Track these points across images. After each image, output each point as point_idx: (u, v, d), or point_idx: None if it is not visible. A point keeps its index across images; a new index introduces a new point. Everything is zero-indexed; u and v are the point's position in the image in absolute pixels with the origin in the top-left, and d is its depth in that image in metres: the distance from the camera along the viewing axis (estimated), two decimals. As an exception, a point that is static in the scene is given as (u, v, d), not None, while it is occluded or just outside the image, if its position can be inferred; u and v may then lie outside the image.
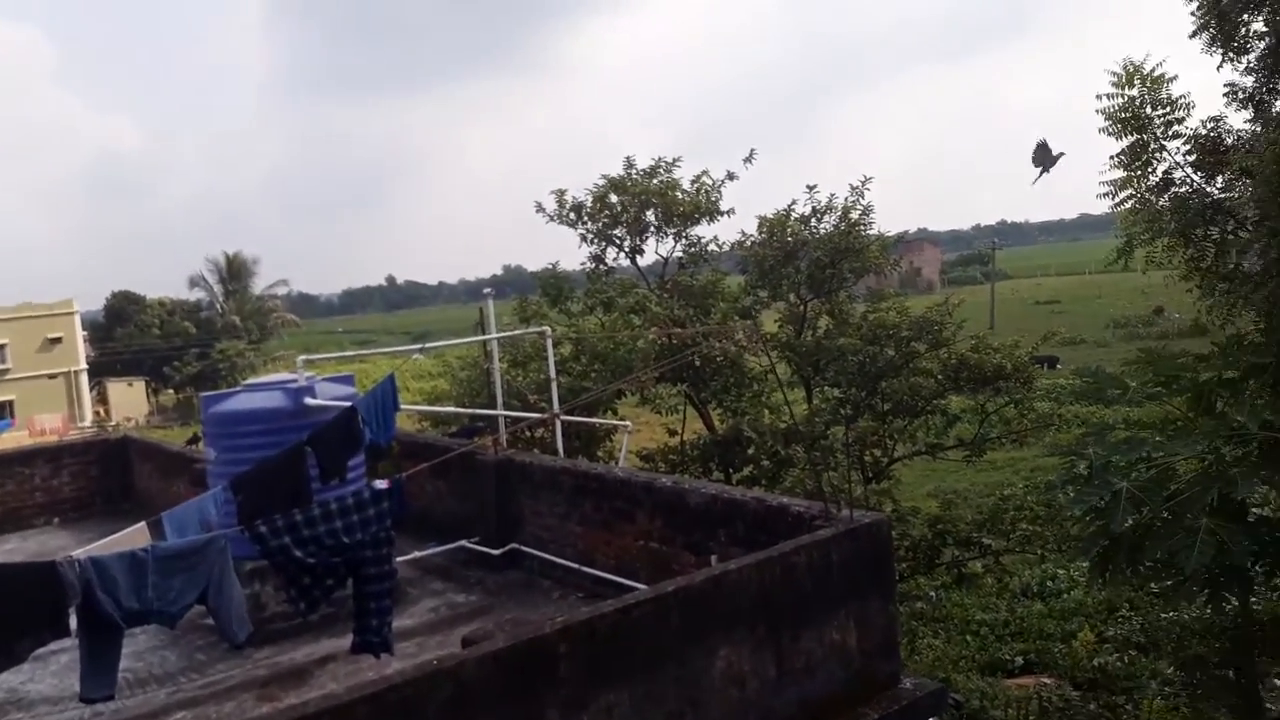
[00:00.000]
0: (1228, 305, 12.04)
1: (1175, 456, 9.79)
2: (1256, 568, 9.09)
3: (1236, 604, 9.94)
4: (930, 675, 13.21)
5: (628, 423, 12.73)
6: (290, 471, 7.51)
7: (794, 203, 19.26)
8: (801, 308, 18.83)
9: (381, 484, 6.64)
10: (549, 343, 12.01)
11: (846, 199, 18.73)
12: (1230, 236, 11.90)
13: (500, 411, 11.42)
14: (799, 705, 6.34)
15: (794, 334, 18.46)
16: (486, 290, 12.00)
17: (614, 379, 15.12)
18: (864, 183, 18.64)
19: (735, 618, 6.13)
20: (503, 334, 13.13)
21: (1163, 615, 12.65)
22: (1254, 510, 9.56)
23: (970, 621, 16.43)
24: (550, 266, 20.02)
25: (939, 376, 16.21)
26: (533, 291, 20.13)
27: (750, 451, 16.14)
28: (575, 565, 9.44)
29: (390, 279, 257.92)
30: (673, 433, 17.92)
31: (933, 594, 16.86)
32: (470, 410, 14.42)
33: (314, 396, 9.38)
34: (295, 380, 9.55)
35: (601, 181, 19.68)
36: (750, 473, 16.26)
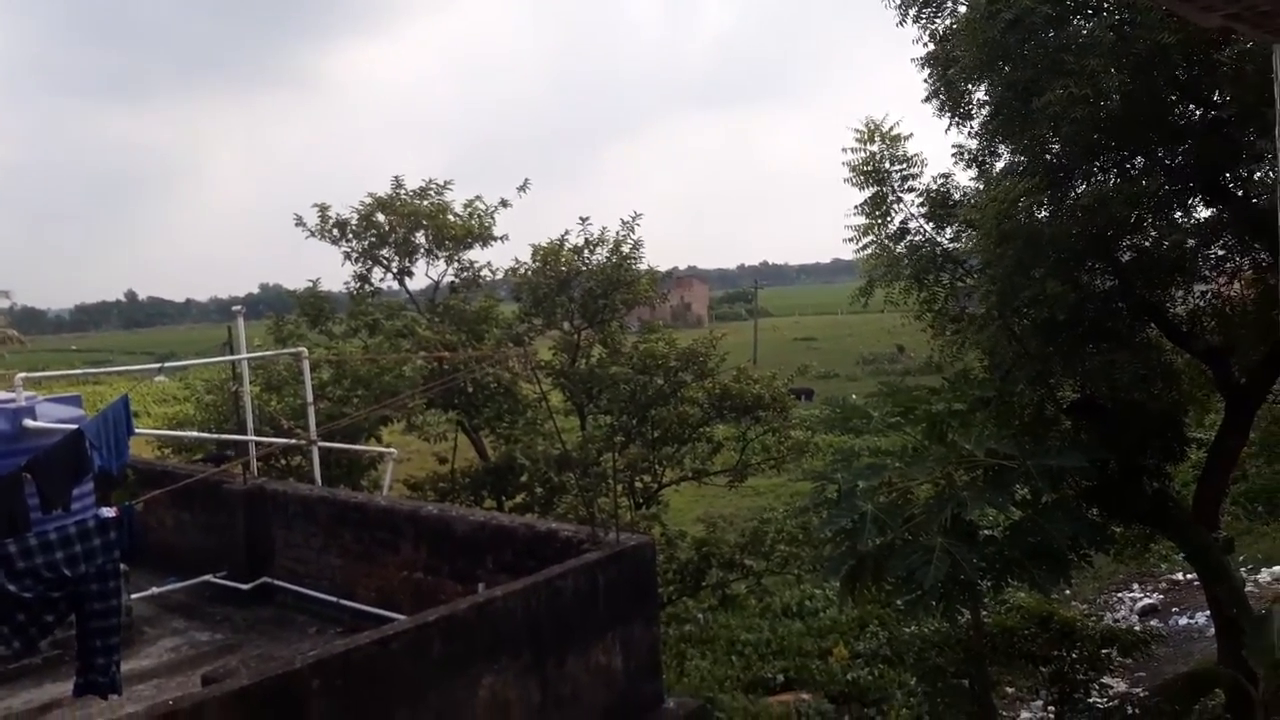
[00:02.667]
0: (956, 345, 13.24)
1: (913, 480, 10.65)
2: (985, 583, 9.97)
3: (969, 617, 10.91)
4: (696, 695, 13.55)
5: (392, 450, 12.29)
6: (4, 500, 6.70)
7: (568, 233, 19.48)
8: (575, 336, 19.00)
9: (108, 512, 6.02)
10: (305, 365, 11.40)
11: (618, 233, 19.17)
12: (958, 283, 13.12)
13: (251, 437, 10.69)
14: (564, 732, 6.29)
15: (568, 362, 18.58)
16: (236, 308, 11.24)
17: (379, 405, 14.57)
18: (634, 218, 19.15)
19: (500, 645, 6.01)
20: (253, 355, 12.32)
21: (905, 630, 13.63)
22: (983, 530, 10.54)
23: (735, 642, 17.04)
24: (310, 285, 19.08)
25: (704, 405, 16.82)
26: (291, 312, 19.09)
27: (523, 479, 16.02)
28: (333, 599, 8.96)
29: (130, 294, 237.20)
30: (443, 460, 17.49)
31: (700, 616, 17.35)
32: (217, 436, 13.40)
33: (35, 418, 8.40)
34: (12, 401, 8.53)
35: (368, 199, 19.06)
36: (523, 500, 16.13)
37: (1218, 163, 10.80)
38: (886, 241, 13.32)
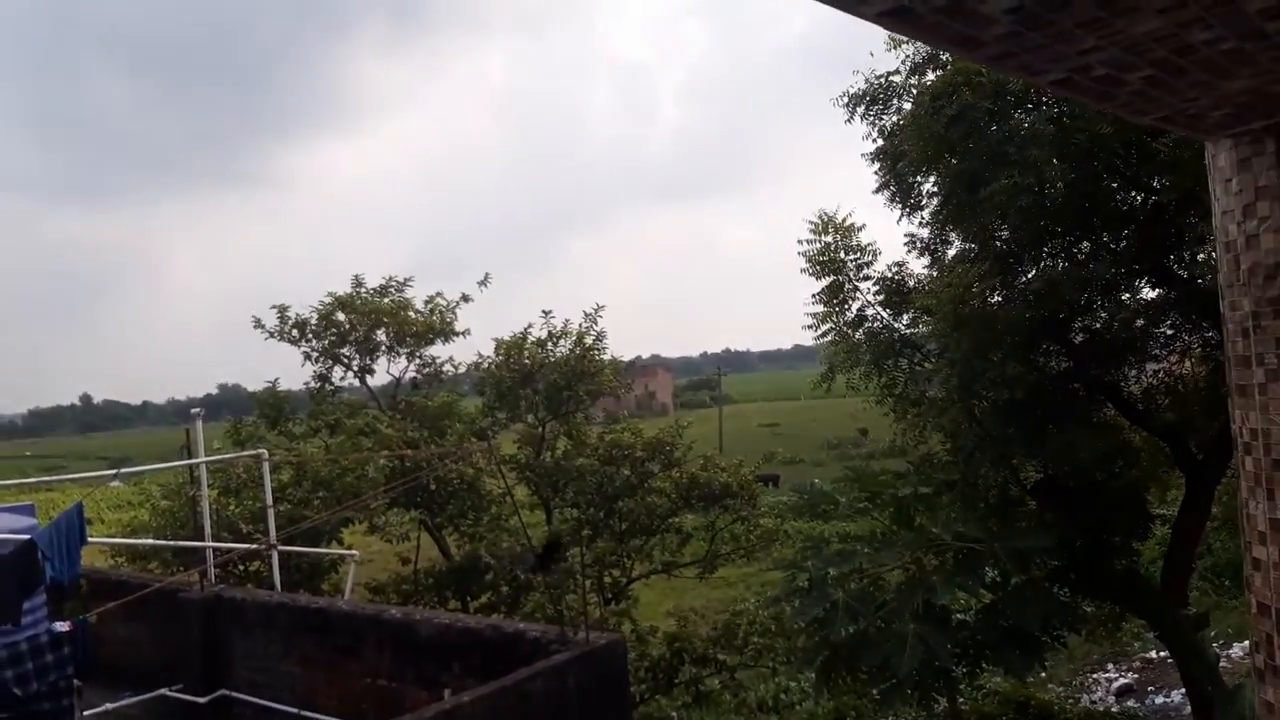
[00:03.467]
0: (918, 428, 13.37)
1: (882, 567, 10.62)
2: (960, 669, 9.87)
3: (945, 705, 10.76)
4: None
5: (355, 552, 12.04)
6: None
7: (530, 326, 19.55)
8: (540, 429, 18.89)
9: (62, 626, 5.81)
10: (265, 467, 11.21)
11: (581, 325, 19.28)
12: (917, 367, 13.33)
13: (209, 543, 10.42)
14: (536, 844, 6.05)
15: (533, 455, 18.43)
16: (195, 410, 11.08)
17: (340, 506, 14.30)
18: (596, 310, 19.28)
19: (469, 755, 5.81)
20: (211, 458, 12.10)
21: (880, 720, 13.40)
22: (955, 615, 10.47)
23: (713, 741, 16.57)
24: (269, 385, 18.88)
25: (672, 495, 16.71)
26: (250, 413, 18.83)
27: (489, 577, 15.70)
28: (294, 710, 8.63)
29: (86, 398, 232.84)
30: (406, 561, 17.11)
31: (674, 715, 16.90)
32: (173, 543, 13.04)
33: (-17, 529, 8.14)
34: (-41, 512, 8.28)
35: (328, 299, 19.03)
36: (489, 599, 15.77)
37: (1161, 246, 11.17)
38: (845, 329, 13.54)
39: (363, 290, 19.14)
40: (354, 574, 11.36)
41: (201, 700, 9.14)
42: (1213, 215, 1.32)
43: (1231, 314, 1.25)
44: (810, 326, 13.82)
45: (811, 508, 11.51)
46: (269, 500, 10.89)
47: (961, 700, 11.27)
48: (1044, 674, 17.91)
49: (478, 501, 16.96)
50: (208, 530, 10.72)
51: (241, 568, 14.23)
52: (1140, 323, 11.81)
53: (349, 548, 14.37)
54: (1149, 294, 12.03)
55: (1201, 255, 11.07)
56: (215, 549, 10.56)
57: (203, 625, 9.52)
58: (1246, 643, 19.41)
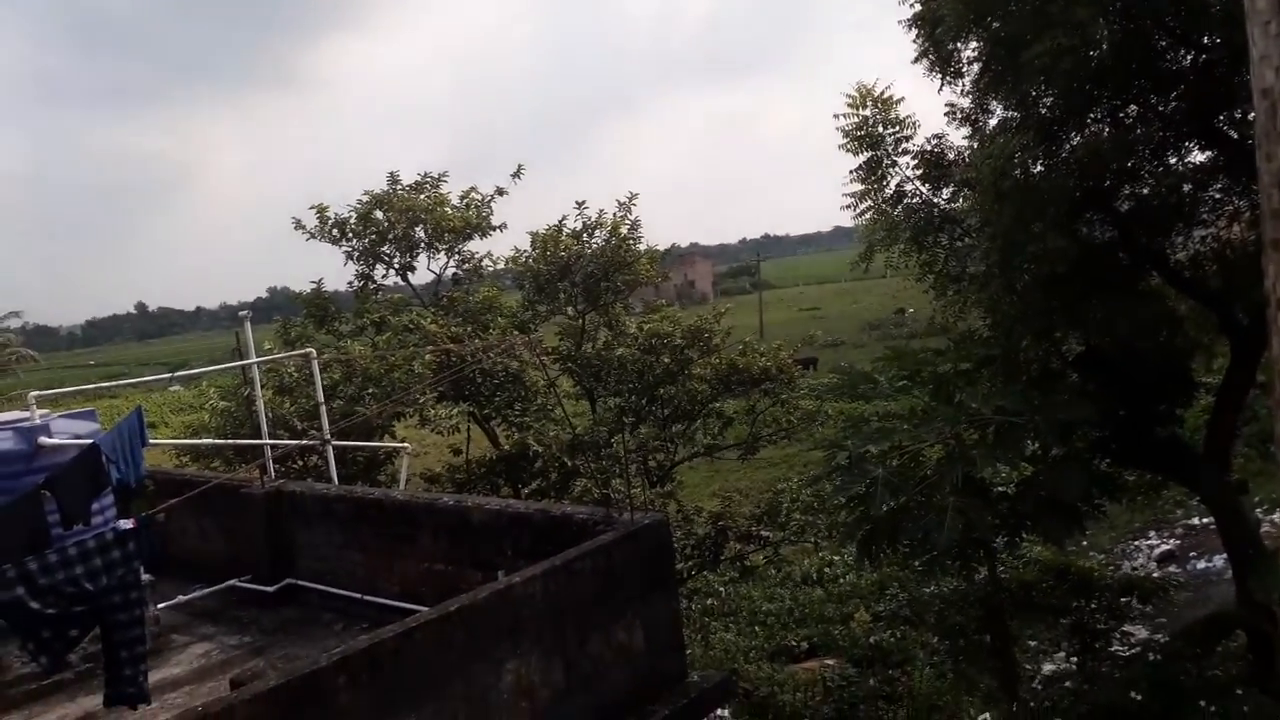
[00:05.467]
0: (959, 305, 13.25)
1: (922, 443, 10.70)
2: (999, 539, 10.03)
3: (986, 574, 10.99)
4: (721, 666, 13.68)
5: (407, 445, 12.40)
6: (24, 518, 6.80)
7: (564, 219, 19.51)
8: (580, 320, 19.06)
9: (126, 524, 6.13)
10: (315, 366, 11.49)
11: (615, 215, 19.18)
12: (957, 243, 13.11)
13: (265, 441, 10.80)
14: (590, 710, 6.40)
15: (574, 346, 18.65)
16: (243, 313, 11.35)
17: (389, 401, 14.67)
18: (631, 199, 19.15)
19: (522, 630, 6.11)
20: (262, 359, 12.42)
21: (925, 590, 13.72)
22: (995, 488, 10.59)
23: (757, 612, 17.17)
24: (315, 286, 19.17)
25: (711, 381, 16.89)
26: (298, 314, 19.20)
27: (537, 465, 16.14)
28: (357, 595, 9.06)
29: (141, 306, 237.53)
30: (457, 452, 17.62)
31: (721, 589, 17.49)
32: (233, 441, 13.53)
33: (50, 436, 8.51)
34: (27, 419, 8.64)
35: (365, 198, 19.09)
36: (539, 486, 16.25)
37: (1211, 106, 10.73)
38: (884, 206, 13.32)
39: (399, 188, 19.17)
40: (408, 465, 11.71)
41: (270, 589, 9.59)
42: (1250, 62, 1.28)
43: (1267, 165, 1.22)
44: (848, 205, 13.62)
45: (851, 388, 11.54)
46: (320, 398, 11.19)
47: (1001, 569, 11.50)
48: (1084, 542, 18.15)
49: (523, 393, 17.29)
50: (264, 428, 11.08)
51: (300, 463, 14.76)
52: (1188, 187, 11.44)
53: (402, 441, 14.80)
54: (1198, 157, 11.62)
55: (1252, 114, 10.64)
56: (273, 446, 10.93)
57: (266, 518, 9.93)
58: (1289, 507, 19.40)
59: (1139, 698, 7.96)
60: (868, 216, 13.48)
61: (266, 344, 17.03)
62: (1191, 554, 19.06)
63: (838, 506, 12.25)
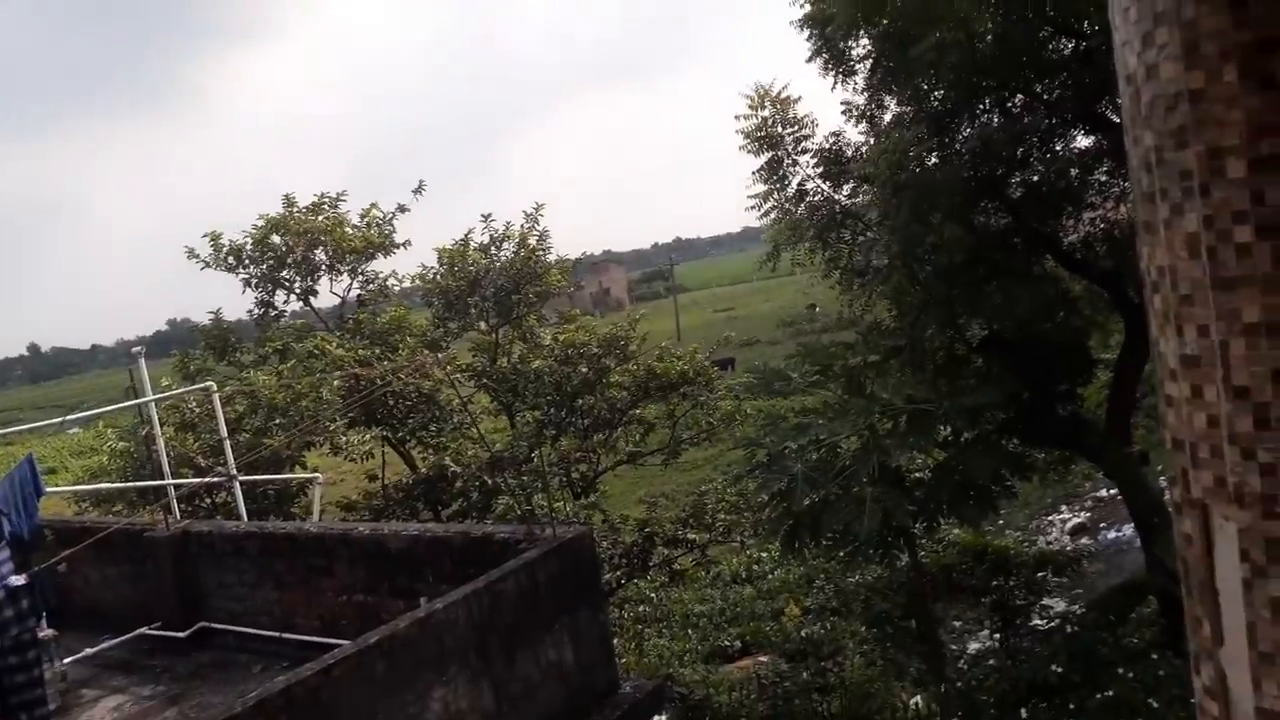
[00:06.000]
0: (865, 297, 13.50)
1: (837, 435, 10.85)
2: (918, 525, 10.23)
3: (907, 560, 11.19)
4: (656, 672, 13.62)
5: (318, 475, 12.04)
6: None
7: (471, 233, 19.27)
8: (493, 335, 18.81)
9: (17, 580, 5.77)
10: (216, 400, 11.08)
11: (523, 226, 19.02)
12: (860, 238, 13.36)
13: (168, 481, 10.34)
14: (521, 732, 6.26)
15: (489, 362, 18.39)
16: (136, 349, 10.89)
17: (297, 430, 14.23)
18: (537, 210, 19.00)
19: (446, 657, 5.95)
20: (159, 396, 11.92)
21: (850, 580, 13.91)
22: (911, 475, 10.79)
23: (690, 615, 17.22)
24: (213, 316, 18.51)
25: (630, 388, 16.85)
26: (198, 346, 18.52)
27: (457, 486, 15.83)
28: (274, 634, 8.73)
29: (34, 348, 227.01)
30: (373, 478, 17.19)
31: (652, 595, 17.47)
32: (134, 484, 12.95)
33: (-70, 493, 7.99)
34: (-97, 476, 8.11)
35: (261, 222, 18.53)
36: (460, 507, 15.95)
37: (1092, 92, 11.14)
38: (787, 205, 13.50)
39: (296, 210, 18.65)
40: (321, 496, 11.37)
41: (182, 635, 9.20)
42: (1114, 48, 1.30)
43: (1135, 149, 1.24)
44: (753, 206, 13.76)
45: (766, 386, 11.66)
46: (223, 432, 10.80)
47: (922, 554, 11.72)
48: (1000, 521, 18.67)
49: (438, 413, 16.96)
50: (166, 468, 10.63)
51: (208, 501, 14.22)
52: (1075, 171, 11.87)
53: (313, 471, 14.37)
54: (1084, 142, 12.07)
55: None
56: (176, 485, 10.49)
57: (173, 561, 9.52)
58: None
59: (1060, 670, 8.18)
60: (772, 216, 13.64)
61: (165, 380, 16.37)
62: (1101, 525, 19.76)
63: (761, 504, 12.33)
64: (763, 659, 15.30)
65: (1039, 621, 12.35)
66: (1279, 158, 1.15)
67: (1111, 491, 21.19)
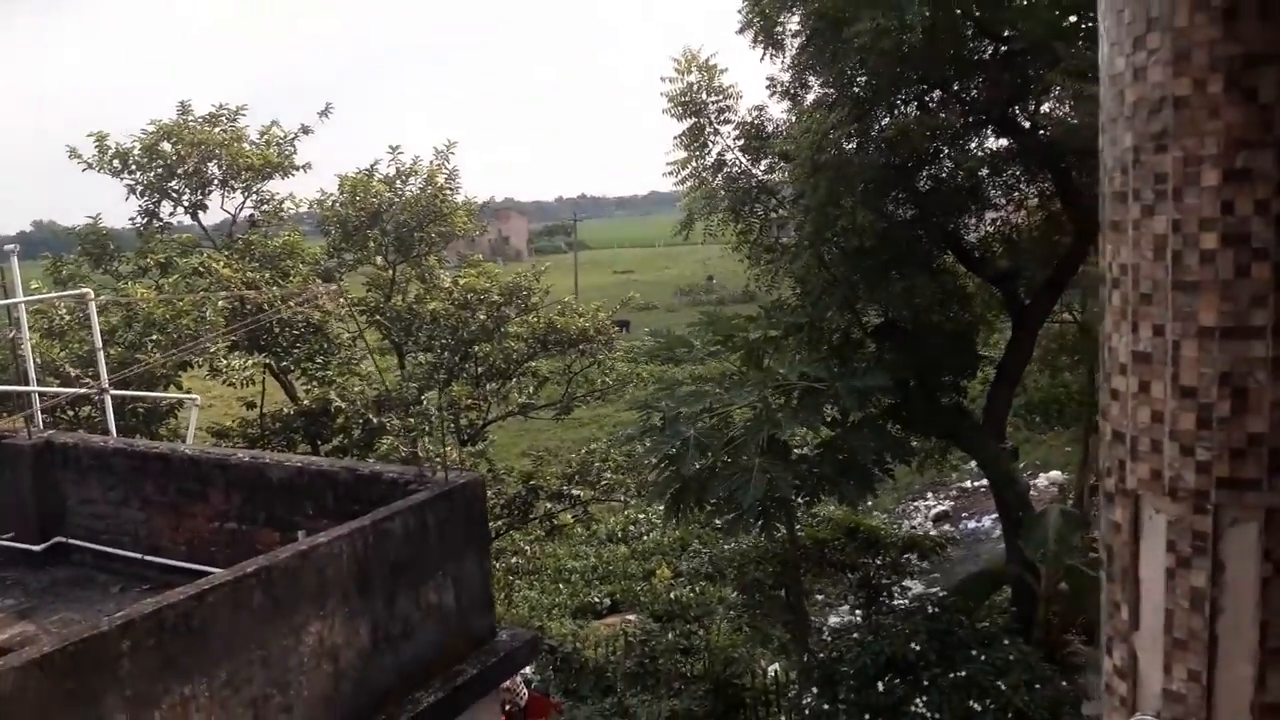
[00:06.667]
0: (771, 274, 13.68)
1: (731, 405, 11.03)
2: (800, 499, 10.52)
3: (785, 531, 11.51)
4: (525, 624, 13.69)
5: (195, 396, 11.56)
6: None
7: (377, 163, 18.70)
8: (390, 272, 18.36)
9: None
10: (92, 308, 10.48)
11: (432, 162, 18.55)
12: (772, 214, 13.50)
13: (34, 388, 9.76)
14: (396, 670, 6.20)
15: (383, 299, 17.96)
16: (8, 247, 10.18)
17: (177, 349, 13.62)
18: (449, 147, 18.57)
19: (326, 592, 5.82)
20: (32, 298, 11.23)
21: (725, 547, 14.24)
22: (796, 450, 11.07)
23: (562, 570, 17.35)
24: (91, 221, 17.47)
25: (528, 340, 16.72)
26: (71, 251, 17.46)
27: (339, 422, 15.47)
28: (137, 555, 8.39)
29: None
30: (251, 406, 16.62)
31: (527, 548, 17.52)
32: (-5, 388, 12.19)
33: None
34: None
35: (151, 128, 17.52)
36: (340, 443, 15.60)
37: (1009, 96, 11.50)
38: (704, 174, 13.51)
39: (191, 119, 17.69)
40: (195, 419, 10.92)
41: (36, 548, 8.76)
42: (1099, 48, 1.34)
43: (1111, 149, 1.28)
44: (670, 171, 13.72)
45: (668, 350, 11.74)
46: (98, 342, 10.23)
47: (799, 527, 12.08)
48: (870, 503, 19.42)
49: (326, 345, 16.50)
50: (32, 375, 10.04)
51: (71, 413, 13.51)
52: (984, 172, 12.25)
53: (188, 392, 13.81)
54: (994, 144, 12.46)
55: (1046, 106, 11.49)
56: (42, 393, 9.92)
57: (33, 472, 9.03)
58: (1053, 473, 21.50)
59: (918, 648, 8.59)
60: (689, 184, 13.64)
61: (34, 283, 15.39)
62: (963, 514, 20.79)
63: (649, 466, 12.45)
64: (630, 618, 15.56)
65: (900, 601, 12.93)
66: (1251, 171, 1.19)
67: (975, 484, 22.28)
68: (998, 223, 13.70)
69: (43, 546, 8.74)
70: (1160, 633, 1.25)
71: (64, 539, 8.85)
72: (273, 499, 7.89)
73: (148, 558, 8.35)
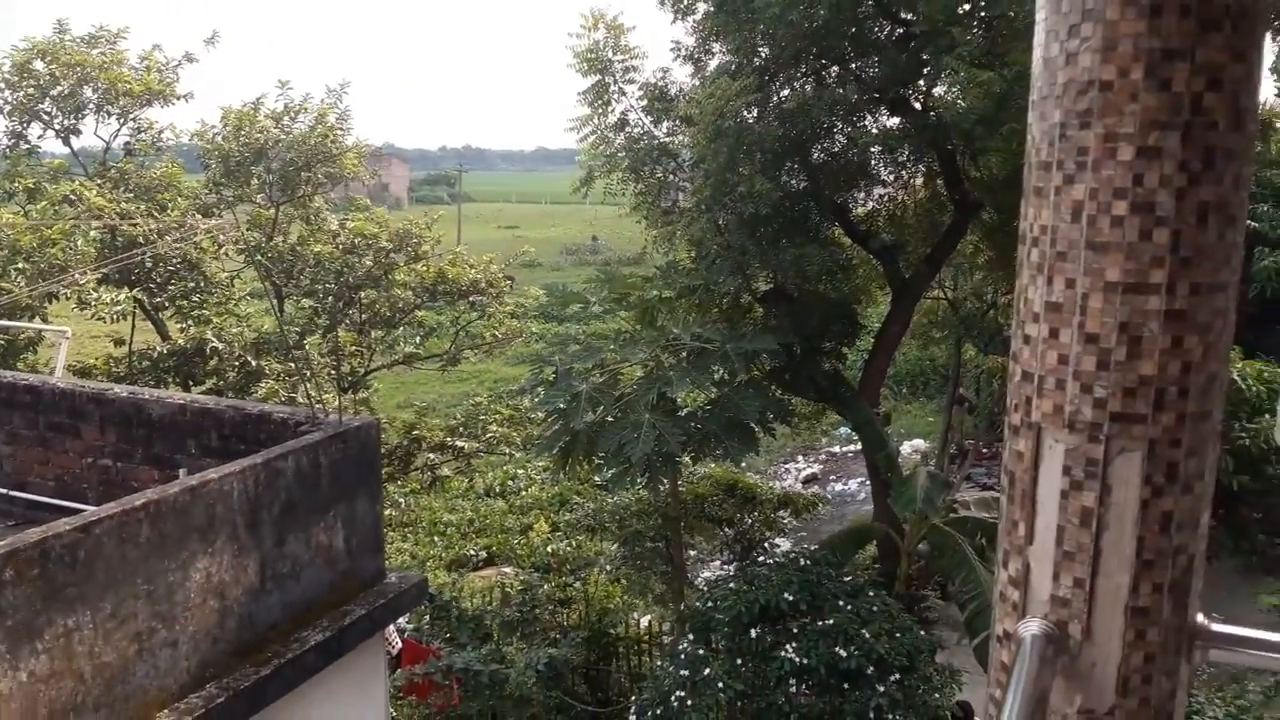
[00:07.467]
0: (668, 236, 13.85)
1: (624, 363, 11.21)
2: (686, 455, 10.80)
3: (668, 486, 11.81)
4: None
5: (66, 329, 10.99)
6: None
7: (263, 97, 17.95)
8: (273, 211, 17.72)
9: None
10: None
11: (323, 101, 17.96)
12: (671, 176, 13.65)
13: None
14: (284, 608, 6.18)
15: (264, 238, 17.34)
16: None
17: (41, 279, 12.87)
18: (342, 86, 18.00)
19: (216, 528, 5.74)
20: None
21: (608, 501, 14.47)
22: (683, 409, 11.34)
23: (438, 523, 17.23)
24: (-50, 139, 16.26)
25: (417, 289, 16.47)
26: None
27: (213, 364, 14.94)
28: (3, 491, 8.02)
29: None
30: (119, 343, 15.86)
31: (401, 500, 17.34)
32: None
33: None
34: None
35: (23, 44, 16.37)
36: (214, 385, 15.07)
37: (903, 77, 11.92)
38: (606, 132, 13.52)
39: (68, 38, 16.58)
40: (64, 352, 10.39)
41: (-115, 481, 8.25)
42: (1035, 30, 1.50)
43: (1040, 123, 1.44)
44: (573, 128, 13.67)
45: (562, 306, 11.79)
46: (-42, 267, 9.60)
47: (681, 483, 12.40)
48: (745, 464, 20.03)
49: (202, 283, 15.86)
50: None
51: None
52: (876, 149, 12.68)
53: (54, 324, 13.09)
54: (888, 122, 12.89)
55: (938, 89, 11.95)
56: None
57: (-120, 400, 8.46)
58: (916, 441, 22.52)
59: (790, 598, 9.01)
60: (590, 141, 13.63)
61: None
62: (831, 477, 21.67)
63: (539, 420, 12.52)
64: (507, 570, 15.65)
65: (768, 557, 13.47)
66: (1160, 150, 1.35)
67: (843, 449, 23.23)
68: (884, 199, 14.22)
69: (-108, 479, 8.24)
70: (1052, 546, 1.39)
71: (-83, 471, 8.37)
72: (151, 436, 7.67)
73: (13, 493, 8.00)
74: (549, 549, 15.97)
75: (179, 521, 5.54)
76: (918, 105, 12.25)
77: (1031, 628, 1.45)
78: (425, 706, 10.54)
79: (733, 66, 12.35)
